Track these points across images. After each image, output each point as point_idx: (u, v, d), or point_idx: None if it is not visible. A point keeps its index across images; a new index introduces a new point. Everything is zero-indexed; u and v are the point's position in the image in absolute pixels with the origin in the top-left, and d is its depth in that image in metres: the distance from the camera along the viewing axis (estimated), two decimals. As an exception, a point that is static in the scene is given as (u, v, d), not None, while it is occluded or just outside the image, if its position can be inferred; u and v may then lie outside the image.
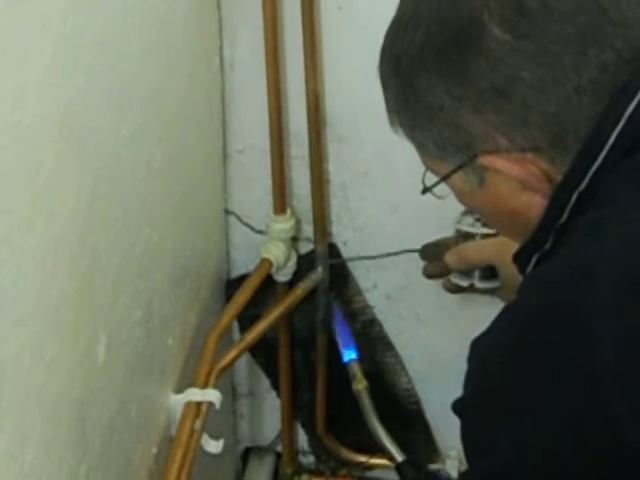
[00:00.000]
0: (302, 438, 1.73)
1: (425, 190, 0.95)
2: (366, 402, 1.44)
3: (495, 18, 0.79)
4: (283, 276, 1.48)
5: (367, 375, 1.48)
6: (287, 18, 1.32)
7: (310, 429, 1.69)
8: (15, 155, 0.74)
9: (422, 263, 1.49)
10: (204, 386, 1.24)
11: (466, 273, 1.27)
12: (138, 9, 1.02)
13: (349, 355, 1.46)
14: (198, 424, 1.18)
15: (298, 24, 1.30)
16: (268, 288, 1.47)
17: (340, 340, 1.46)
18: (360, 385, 1.44)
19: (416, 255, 1.48)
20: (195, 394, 1.21)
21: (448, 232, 1.45)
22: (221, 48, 1.38)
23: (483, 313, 1.51)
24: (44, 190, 0.79)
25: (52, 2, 0.79)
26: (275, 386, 1.65)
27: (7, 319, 0.74)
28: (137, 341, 1.09)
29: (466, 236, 1.28)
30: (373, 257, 1.49)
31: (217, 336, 1.32)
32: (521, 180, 0.83)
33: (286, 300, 1.48)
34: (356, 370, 1.46)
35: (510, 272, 1.03)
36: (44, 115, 0.78)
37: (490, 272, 1.24)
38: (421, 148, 0.90)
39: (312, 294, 1.50)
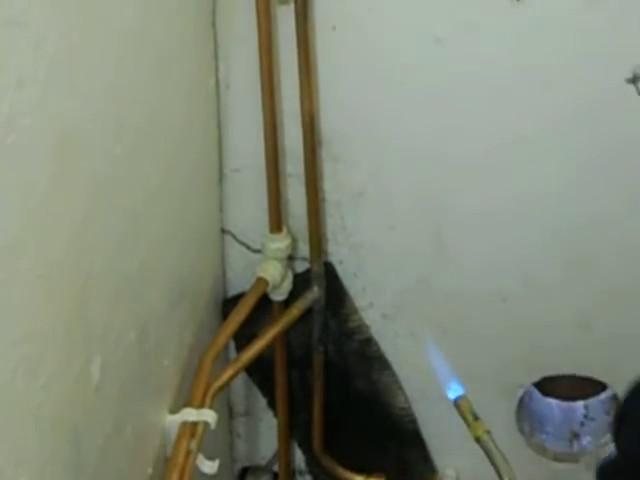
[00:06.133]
0: (299, 458, 1.73)
1: None
2: (492, 447, 1.28)
3: None
4: (279, 295, 1.48)
5: (363, 394, 1.48)
6: (282, 38, 1.33)
7: (307, 449, 1.68)
8: (9, 177, 0.74)
9: (419, 281, 1.49)
10: (200, 406, 1.24)
11: None
12: (134, 31, 1.03)
13: (455, 392, 1.29)
14: (194, 444, 1.17)
15: (293, 44, 1.31)
16: (264, 307, 1.46)
17: (440, 375, 1.30)
18: (480, 431, 1.27)
19: (412, 273, 1.49)
20: (191, 414, 1.21)
21: (443, 249, 1.46)
22: (216, 68, 1.38)
23: (480, 331, 1.52)
24: (38, 212, 0.79)
25: (47, 25, 0.79)
26: (272, 405, 1.64)
27: (2, 340, 0.74)
28: (132, 362, 1.09)
29: None
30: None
31: (213, 355, 1.32)
32: None
33: (282, 319, 1.48)
34: (467, 410, 1.28)
35: None
36: (39, 137, 0.78)
37: None
38: None
39: (308, 313, 1.50)
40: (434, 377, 1.56)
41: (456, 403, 1.30)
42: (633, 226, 1.40)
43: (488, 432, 1.29)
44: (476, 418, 1.30)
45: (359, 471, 1.67)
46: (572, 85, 1.31)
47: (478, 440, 1.30)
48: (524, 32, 1.29)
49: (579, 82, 1.31)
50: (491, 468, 1.67)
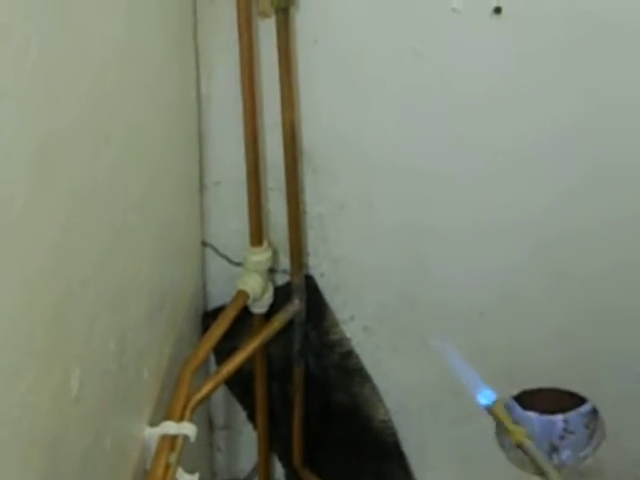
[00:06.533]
0: (279, 471, 1.72)
1: None
2: (536, 452, 1.22)
3: None
4: (260, 308, 1.48)
5: (343, 407, 1.47)
6: (263, 51, 1.33)
7: (287, 462, 1.68)
8: (-12, 188, 0.73)
9: (400, 295, 1.50)
10: (180, 419, 1.23)
11: None
12: (115, 43, 1.03)
13: (488, 398, 1.21)
14: (173, 457, 1.17)
15: (274, 57, 1.31)
16: (245, 320, 1.46)
17: (469, 383, 1.23)
18: (521, 436, 1.20)
19: (393, 287, 1.49)
20: (170, 427, 1.20)
21: (424, 263, 1.46)
22: (198, 80, 1.38)
23: (460, 345, 1.53)
24: (18, 222, 0.79)
25: (26, 36, 0.79)
26: (252, 418, 1.64)
27: (-21, 352, 0.74)
28: (111, 374, 1.08)
29: None
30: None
31: (193, 368, 1.31)
32: None
33: (263, 332, 1.47)
34: (503, 416, 1.21)
35: None
36: (17, 148, 0.78)
37: None
38: None
39: (289, 326, 1.50)
40: (417, 389, 1.57)
41: (490, 409, 1.23)
42: (614, 242, 1.41)
43: (529, 437, 1.25)
44: (515, 423, 1.23)
45: (339, 485, 1.67)
46: (555, 100, 1.32)
47: (520, 446, 1.23)
48: (504, 45, 1.29)
49: (563, 97, 1.31)
50: (471, 481, 1.68)
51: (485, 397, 1.21)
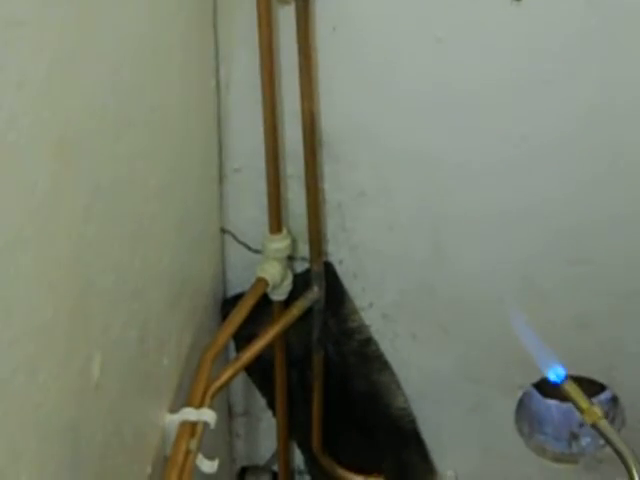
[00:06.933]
0: (298, 457, 1.73)
1: None
2: (611, 432, 1.19)
3: None
4: (279, 295, 1.48)
5: (363, 394, 1.48)
6: (282, 38, 1.33)
7: (306, 448, 1.68)
8: (9, 175, 0.74)
9: (419, 282, 1.50)
10: (199, 406, 1.24)
11: None
12: (134, 31, 1.03)
13: (558, 375, 1.19)
14: (193, 444, 1.18)
15: (293, 44, 1.31)
16: (264, 307, 1.47)
17: (539, 358, 1.20)
18: (596, 417, 1.18)
19: (412, 274, 1.49)
20: (190, 414, 1.21)
21: (443, 250, 1.46)
22: (217, 68, 1.38)
23: (479, 333, 1.53)
24: (39, 210, 0.79)
25: (47, 24, 0.79)
26: (271, 405, 1.65)
27: (1, 339, 0.74)
28: (132, 361, 1.09)
29: None
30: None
31: (213, 355, 1.32)
32: None
33: (282, 319, 1.48)
34: (577, 395, 1.18)
35: None
36: (39, 136, 0.78)
37: None
38: None
39: (308, 313, 1.50)
40: (436, 376, 1.57)
41: (562, 387, 1.21)
42: (634, 229, 1.41)
43: (602, 417, 1.22)
44: (591, 403, 1.21)
45: (358, 471, 1.68)
46: (574, 87, 1.31)
47: (594, 426, 1.20)
48: (524, 32, 1.29)
49: (581, 84, 1.31)
50: (489, 468, 1.68)
51: (555, 374, 1.19)
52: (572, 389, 1.21)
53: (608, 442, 1.20)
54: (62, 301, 0.86)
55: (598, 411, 1.19)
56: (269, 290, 1.44)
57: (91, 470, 0.97)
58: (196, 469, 1.19)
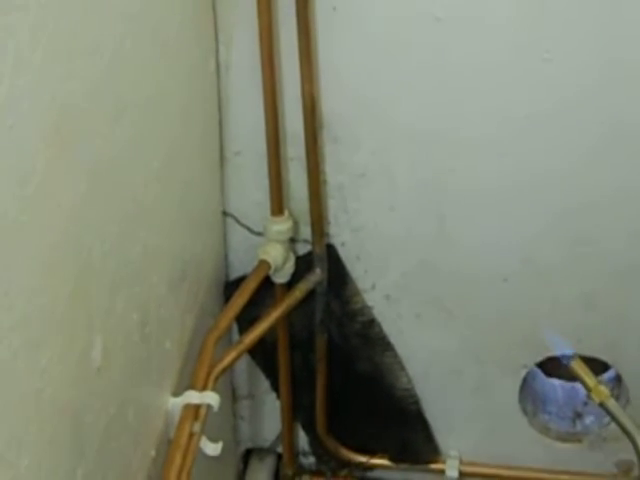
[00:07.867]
0: (302, 439, 1.73)
1: None
2: (618, 410, 1.24)
3: None
4: (281, 277, 1.48)
5: (366, 375, 1.48)
6: (282, 20, 1.32)
7: (310, 430, 1.69)
8: (7, 160, 0.74)
9: (421, 263, 1.49)
10: (203, 388, 1.24)
11: None
12: (133, 13, 1.02)
13: (564, 351, 1.26)
14: (197, 427, 1.18)
15: (293, 26, 1.30)
16: (266, 290, 1.46)
17: (554, 344, 1.27)
18: (603, 396, 1.22)
19: (414, 255, 1.49)
20: (194, 397, 1.21)
21: (445, 230, 1.46)
22: (217, 51, 1.37)
23: (483, 312, 1.52)
24: (37, 195, 0.79)
25: (43, 8, 0.79)
26: (275, 387, 1.65)
27: (1, 325, 0.74)
28: (134, 344, 1.09)
29: None
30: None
31: (216, 338, 1.32)
32: None
33: (284, 301, 1.48)
34: (585, 373, 1.22)
35: None
36: (37, 120, 0.78)
37: None
38: None
39: (310, 295, 1.50)
40: (440, 356, 1.57)
41: (570, 365, 1.23)
42: (637, 207, 1.40)
43: (610, 397, 1.24)
44: (598, 382, 1.23)
45: (362, 452, 1.68)
46: (575, 63, 1.30)
47: (602, 405, 1.23)
48: (525, 9, 1.28)
49: (582, 60, 1.30)
50: (493, 448, 1.68)
51: (561, 350, 1.23)
52: (580, 368, 1.20)
53: (615, 420, 1.20)
54: (62, 285, 0.86)
55: (605, 390, 1.19)
56: (271, 272, 1.44)
57: (94, 454, 0.97)
58: (200, 452, 1.19)
